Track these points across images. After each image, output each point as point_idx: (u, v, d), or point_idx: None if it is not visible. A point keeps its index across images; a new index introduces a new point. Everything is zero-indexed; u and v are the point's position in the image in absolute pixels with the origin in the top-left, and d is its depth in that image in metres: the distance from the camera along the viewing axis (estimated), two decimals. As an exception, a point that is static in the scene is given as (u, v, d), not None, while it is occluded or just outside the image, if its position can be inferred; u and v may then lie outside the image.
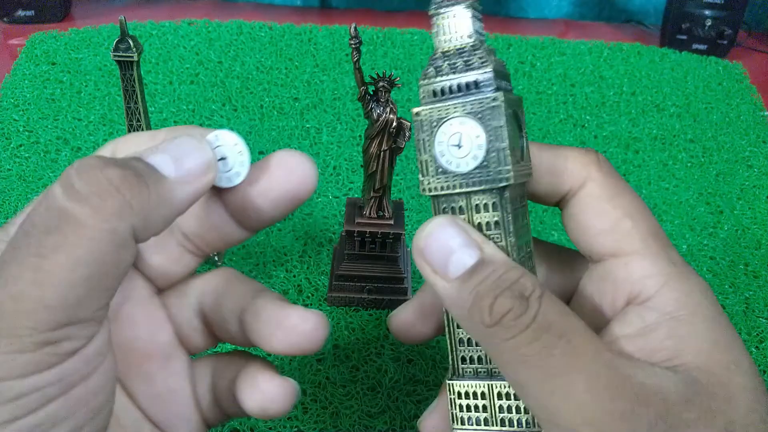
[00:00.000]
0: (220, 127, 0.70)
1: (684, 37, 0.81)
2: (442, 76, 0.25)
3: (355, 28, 0.43)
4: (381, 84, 0.44)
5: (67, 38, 0.75)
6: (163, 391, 0.27)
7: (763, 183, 0.64)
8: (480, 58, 0.24)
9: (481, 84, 0.24)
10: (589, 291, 0.28)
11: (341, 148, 0.64)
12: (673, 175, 0.64)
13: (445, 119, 0.25)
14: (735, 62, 0.80)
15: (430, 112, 0.25)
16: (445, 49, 0.25)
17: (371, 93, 0.45)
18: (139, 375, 0.26)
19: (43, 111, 0.66)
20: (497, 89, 0.24)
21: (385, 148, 0.46)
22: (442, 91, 0.25)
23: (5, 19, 0.80)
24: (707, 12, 0.80)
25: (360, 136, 0.66)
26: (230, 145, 0.25)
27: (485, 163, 0.24)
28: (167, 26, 0.78)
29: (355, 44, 0.43)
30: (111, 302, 0.22)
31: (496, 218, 0.25)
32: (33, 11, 0.80)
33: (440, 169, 0.25)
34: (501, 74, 0.25)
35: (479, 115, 0.24)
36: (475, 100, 0.24)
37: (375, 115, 0.45)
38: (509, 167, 0.24)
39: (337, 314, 0.49)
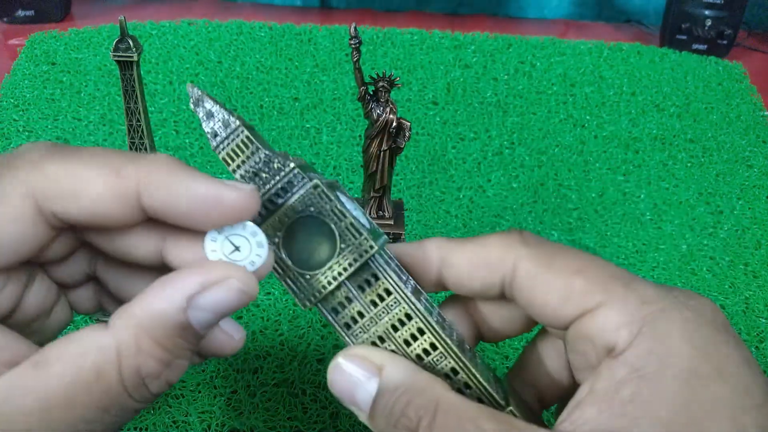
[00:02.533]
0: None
1: (684, 37, 0.81)
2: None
3: (355, 28, 0.43)
4: (381, 84, 0.44)
5: (67, 38, 0.75)
6: None
7: (763, 183, 0.64)
8: (281, 163, 0.25)
9: (297, 181, 0.25)
10: (554, 356, 0.27)
11: (341, 148, 0.64)
12: (673, 175, 0.64)
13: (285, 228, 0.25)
14: (735, 62, 0.80)
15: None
16: (243, 172, 0.26)
17: (371, 93, 0.45)
18: None
19: (43, 111, 0.66)
20: (311, 179, 0.25)
21: (385, 148, 0.46)
22: (266, 208, 0.26)
23: (5, 19, 0.80)
24: (707, 12, 0.80)
25: (360, 136, 0.66)
26: (248, 235, 0.24)
27: (342, 245, 0.25)
28: (167, 26, 0.78)
29: (355, 44, 0.43)
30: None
31: (385, 287, 0.25)
32: (33, 11, 0.80)
33: (306, 276, 0.25)
34: (308, 167, 0.26)
35: (311, 207, 0.25)
36: (299, 196, 0.25)
37: (375, 115, 0.45)
38: (366, 237, 0.25)
39: (337, 314, 0.49)
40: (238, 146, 0.25)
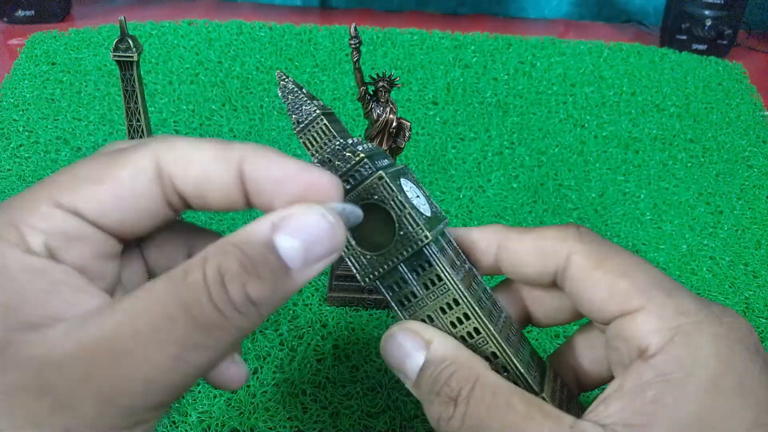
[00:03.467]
0: (220, 127, 0.70)
1: (684, 37, 0.81)
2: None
3: (355, 28, 0.43)
4: (381, 84, 0.44)
5: (67, 38, 0.75)
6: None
7: (763, 183, 0.64)
8: (351, 152, 0.28)
9: (365, 170, 0.27)
10: (597, 347, 0.29)
11: (341, 148, 0.64)
12: (673, 175, 0.64)
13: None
14: (735, 62, 0.80)
15: None
16: (319, 158, 0.29)
17: (371, 93, 0.45)
18: None
19: (43, 111, 0.66)
20: (378, 169, 0.27)
21: (385, 148, 0.46)
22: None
23: (5, 19, 0.80)
24: (707, 12, 0.80)
25: (360, 136, 0.66)
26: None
27: (401, 233, 0.27)
28: (167, 26, 0.78)
29: (355, 44, 0.43)
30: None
31: (436, 273, 0.27)
32: (33, 11, 0.80)
33: (367, 256, 0.28)
34: (378, 156, 0.28)
35: (375, 196, 0.27)
36: (363, 186, 0.27)
37: (375, 115, 0.45)
38: (422, 227, 0.26)
39: (337, 314, 0.49)
40: (317, 133, 0.28)
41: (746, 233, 0.58)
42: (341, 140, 0.28)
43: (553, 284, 0.28)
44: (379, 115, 0.45)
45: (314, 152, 0.29)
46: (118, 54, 0.44)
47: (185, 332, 0.21)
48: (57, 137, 0.63)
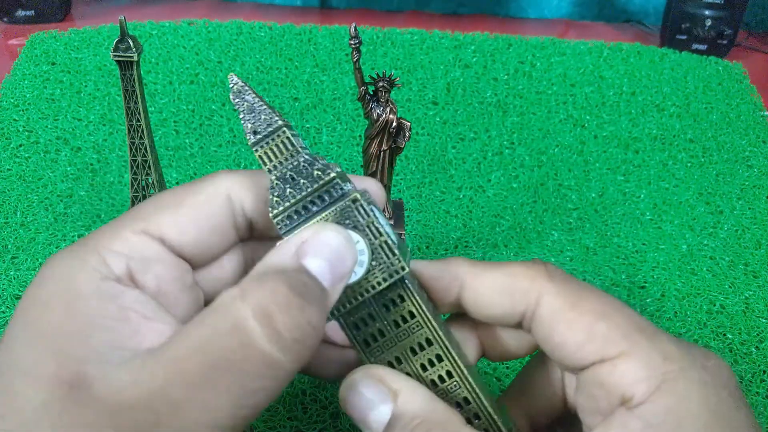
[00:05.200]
0: (220, 127, 0.70)
1: (684, 37, 0.81)
2: (290, 200, 0.25)
3: (355, 28, 0.43)
4: (381, 84, 0.44)
5: (67, 38, 0.75)
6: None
7: (763, 183, 0.64)
8: (321, 170, 0.24)
9: (335, 191, 0.24)
10: (547, 384, 0.27)
11: (341, 148, 0.64)
12: (673, 175, 0.64)
13: None
14: (735, 62, 0.80)
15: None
16: (278, 175, 0.25)
17: (371, 93, 0.45)
18: None
19: (43, 111, 0.66)
20: (352, 190, 0.24)
21: (385, 148, 0.46)
22: (298, 213, 0.25)
23: (5, 19, 0.80)
24: (707, 12, 0.80)
25: (360, 136, 0.66)
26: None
27: (374, 263, 0.24)
28: (167, 26, 0.78)
29: (355, 44, 0.43)
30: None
31: (409, 309, 0.25)
32: (33, 11, 0.80)
33: None
34: (345, 177, 0.25)
35: (347, 221, 0.24)
36: (336, 207, 0.24)
37: (375, 115, 0.45)
38: (399, 257, 0.24)
39: (337, 314, 0.49)
40: (277, 146, 0.25)
41: (746, 233, 0.58)
42: (307, 156, 0.25)
43: (518, 325, 0.26)
44: (379, 115, 0.45)
45: (272, 167, 0.25)
46: (118, 54, 0.44)
47: (236, 380, 0.20)
48: (57, 137, 0.63)
